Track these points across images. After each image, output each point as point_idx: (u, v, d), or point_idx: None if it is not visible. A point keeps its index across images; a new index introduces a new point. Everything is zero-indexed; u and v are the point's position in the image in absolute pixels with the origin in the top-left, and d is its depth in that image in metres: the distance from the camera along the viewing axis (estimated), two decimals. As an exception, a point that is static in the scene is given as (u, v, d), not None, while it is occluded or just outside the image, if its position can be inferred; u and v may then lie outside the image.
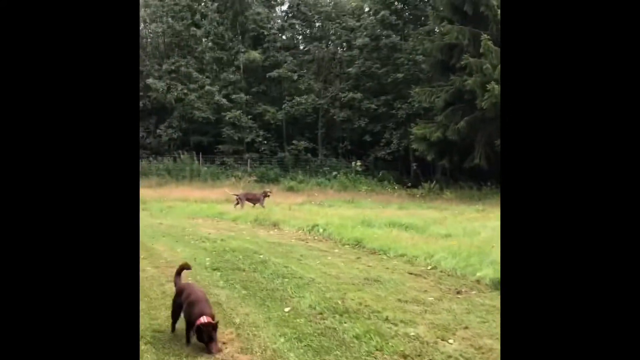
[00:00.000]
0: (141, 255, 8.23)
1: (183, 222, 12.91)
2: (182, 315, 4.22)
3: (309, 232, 10.57)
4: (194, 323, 3.89)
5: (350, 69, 27.63)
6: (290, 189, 22.14)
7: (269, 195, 16.42)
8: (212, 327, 3.83)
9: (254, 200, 16.22)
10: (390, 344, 4.01)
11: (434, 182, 21.87)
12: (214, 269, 6.95)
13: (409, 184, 22.92)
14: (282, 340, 4.13)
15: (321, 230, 10.38)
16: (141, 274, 6.94)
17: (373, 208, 15.93)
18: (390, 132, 26.35)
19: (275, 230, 11.32)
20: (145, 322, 4.63)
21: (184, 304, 4.13)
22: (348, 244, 9.06)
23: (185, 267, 4.73)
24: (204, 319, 3.85)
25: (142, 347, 4.06)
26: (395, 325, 4.45)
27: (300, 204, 17.14)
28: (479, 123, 19.02)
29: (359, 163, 25.15)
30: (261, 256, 7.87)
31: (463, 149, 20.37)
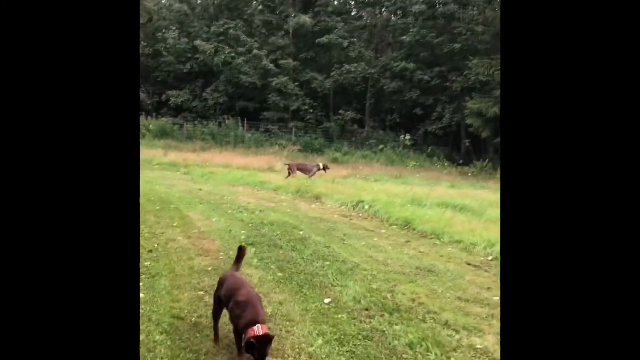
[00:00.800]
0: (174, 223, 7.75)
1: (223, 189, 12.40)
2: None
3: (353, 209, 9.83)
4: (243, 331, 3.00)
5: (403, 37, 26.21)
6: (335, 160, 21.32)
7: (325, 169, 15.27)
8: (268, 340, 2.92)
9: (305, 170, 15.36)
10: (452, 359, 3.27)
11: (487, 160, 20.59)
12: (249, 244, 6.34)
13: (460, 161, 21.74)
14: (319, 341, 3.46)
15: (366, 207, 9.61)
16: (171, 244, 6.43)
17: (422, 185, 14.99)
18: (442, 105, 25.03)
19: (317, 203, 10.64)
20: (164, 304, 4.06)
21: (230, 302, 3.22)
22: (396, 224, 8.27)
23: (242, 253, 3.68)
24: (258, 330, 2.93)
25: (157, 337, 3.49)
26: (457, 332, 3.70)
27: (345, 176, 16.35)
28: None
29: (407, 137, 24.03)
30: (301, 232, 7.21)
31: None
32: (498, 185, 15.81)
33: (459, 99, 23.38)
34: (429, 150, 23.61)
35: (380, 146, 24.21)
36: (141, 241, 6.47)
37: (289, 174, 15.00)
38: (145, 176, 14.69)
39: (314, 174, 15.02)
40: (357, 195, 10.78)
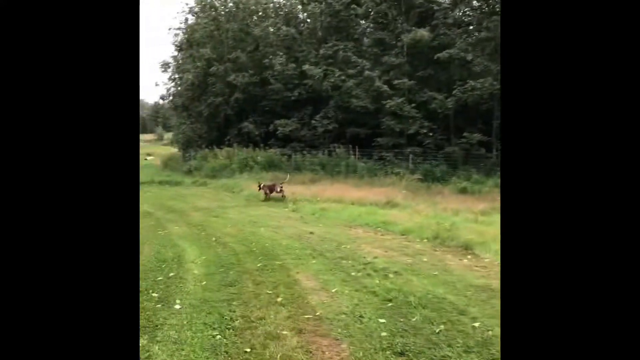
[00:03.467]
0: (278, 298, 5.39)
1: (339, 232, 9.95)
2: None
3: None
4: None
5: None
6: (463, 190, 18.17)
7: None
8: None
9: (272, 190, 16.39)
10: None
11: None
12: (398, 354, 3.75)
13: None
14: None
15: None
16: (273, 347, 4.04)
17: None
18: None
19: (470, 257, 7.76)
20: None
21: None
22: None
23: None
24: None
25: None
26: None
27: (484, 211, 13.22)
28: None
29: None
30: (476, 324, 4.46)
31: None
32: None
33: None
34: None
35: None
36: (230, 336, 4.16)
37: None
38: (251, 215, 12.78)
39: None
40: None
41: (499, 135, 23.89)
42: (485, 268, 7.00)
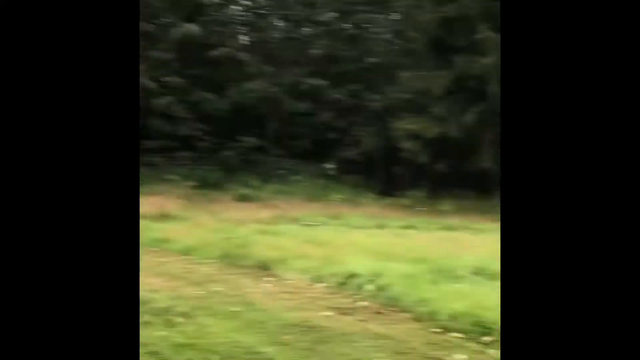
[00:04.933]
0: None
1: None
2: None
3: (343, 289, 5.77)
4: None
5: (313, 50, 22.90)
6: (244, 198, 16.94)
7: None
8: None
9: None
10: None
11: (426, 188, 17.58)
12: None
13: (393, 192, 18.51)
14: None
15: (368, 287, 5.58)
16: None
17: (385, 228, 11.36)
18: (359, 128, 21.89)
19: (271, 278, 6.40)
20: None
21: None
22: (458, 330, 4.40)
23: None
24: None
25: None
26: None
27: (270, 221, 12.12)
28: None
29: (330, 165, 20.36)
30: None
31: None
32: (454, 221, 12.38)
33: (383, 119, 20.23)
34: (352, 180, 20.10)
35: (294, 177, 20.32)
36: None
37: None
38: None
39: None
40: (329, 258, 6.78)
41: (274, 140, 23.53)
42: (293, 294, 5.70)
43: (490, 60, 14.31)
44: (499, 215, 1.91)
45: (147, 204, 13.40)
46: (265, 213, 13.39)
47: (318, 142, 22.99)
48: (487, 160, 15.26)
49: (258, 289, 5.87)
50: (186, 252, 8.11)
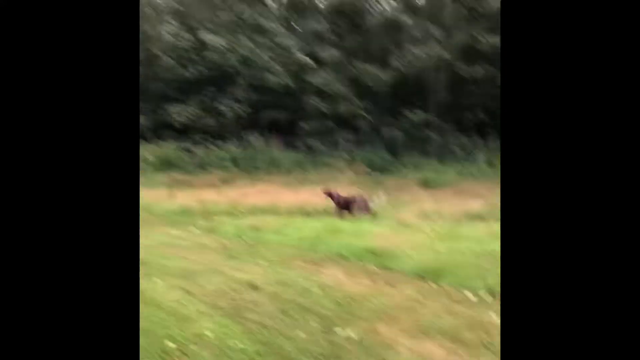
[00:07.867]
0: None
1: (302, 280, 5.18)
2: None
3: None
4: None
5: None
6: (426, 183, 14.06)
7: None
8: None
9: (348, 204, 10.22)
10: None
11: None
12: None
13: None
14: None
15: None
16: None
17: None
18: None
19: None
20: None
21: None
22: None
23: None
24: None
25: None
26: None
27: (491, 215, 9.06)
28: None
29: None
30: None
31: None
32: None
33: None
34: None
35: (471, 156, 17.06)
36: None
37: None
38: (144, 245, 7.59)
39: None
40: None
41: (441, 114, 20.22)
42: None
43: None
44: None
45: (320, 195, 11.06)
46: (474, 204, 10.31)
47: (493, 114, 19.13)
48: None
49: None
50: (428, 274, 5.37)
